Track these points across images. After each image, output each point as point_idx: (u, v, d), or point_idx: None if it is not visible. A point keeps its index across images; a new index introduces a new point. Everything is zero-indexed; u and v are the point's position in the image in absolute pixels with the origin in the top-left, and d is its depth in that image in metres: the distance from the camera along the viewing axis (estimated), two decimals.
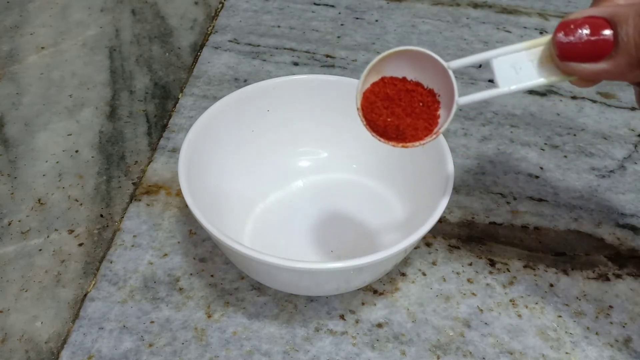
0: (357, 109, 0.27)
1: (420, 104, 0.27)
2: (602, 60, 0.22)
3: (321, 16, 0.54)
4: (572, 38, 0.22)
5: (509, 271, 0.36)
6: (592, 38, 0.21)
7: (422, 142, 0.27)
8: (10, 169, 0.41)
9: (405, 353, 0.32)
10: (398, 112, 0.27)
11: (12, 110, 0.46)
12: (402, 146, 0.27)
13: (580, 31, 0.22)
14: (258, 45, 0.51)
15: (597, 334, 0.33)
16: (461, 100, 0.25)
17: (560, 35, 0.22)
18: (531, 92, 0.47)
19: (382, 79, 0.27)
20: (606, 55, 0.21)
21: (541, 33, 0.53)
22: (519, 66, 0.24)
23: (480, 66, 0.49)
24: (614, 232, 0.38)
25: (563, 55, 0.22)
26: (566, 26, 0.22)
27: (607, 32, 0.21)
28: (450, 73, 0.25)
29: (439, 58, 0.25)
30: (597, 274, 0.36)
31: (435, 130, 0.26)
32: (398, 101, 0.27)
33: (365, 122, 0.27)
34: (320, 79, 0.38)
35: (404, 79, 0.27)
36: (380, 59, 0.26)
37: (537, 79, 0.24)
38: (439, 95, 0.26)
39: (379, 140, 0.27)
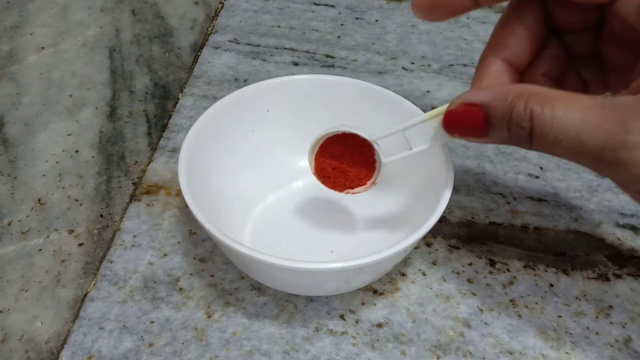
0: (313, 173, 0.34)
1: (359, 154, 0.32)
2: (482, 138, 0.26)
3: (321, 16, 0.54)
4: (455, 127, 0.27)
5: (509, 271, 0.36)
6: (470, 125, 0.26)
7: (365, 187, 0.33)
8: (10, 169, 0.41)
9: (405, 353, 0.32)
10: (343, 167, 0.33)
11: (12, 110, 0.46)
12: (349, 192, 0.34)
13: (461, 120, 0.27)
14: (258, 45, 0.51)
15: (597, 334, 0.33)
16: (385, 160, 0.32)
17: (447, 123, 0.28)
18: None
19: (327, 140, 0.33)
20: (484, 136, 0.26)
21: None
22: (424, 132, 0.30)
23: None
24: (614, 232, 0.38)
25: (452, 134, 0.28)
26: (450, 116, 0.27)
27: (482, 119, 0.26)
28: (374, 144, 0.31)
29: (364, 134, 0.31)
30: (597, 274, 0.36)
31: (372, 180, 0.33)
32: (341, 157, 0.33)
33: (321, 181, 0.34)
34: (320, 79, 0.38)
35: (343, 135, 0.32)
36: (319, 139, 0.32)
37: (441, 140, 0.30)
38: (375, 144, 0.32)
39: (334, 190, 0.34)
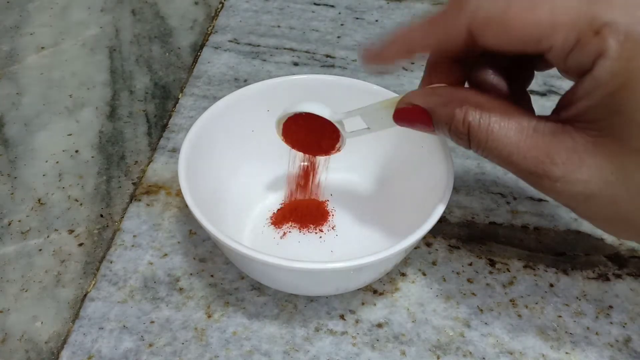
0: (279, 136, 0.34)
1: (322, 129, 0.33)
2: (428, 131, 0.28)
3: (321, 16, 0.54)
4: (404, 122, 0.28)
5: (509, 271, 0.36)
6: (417, 122, 0.28)
7: (330, 153, 0.34)
8: (10, 169, 0.41)
9: (405, 353, 0.32)
10: (310, 138, 0.34)
11: (12, 110, 0.46)
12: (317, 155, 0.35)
13: (408, 117, 0.28)
14: (258, 45, 0.51)
15: (597, 334, 0.33)
16: (347, 136, 0.33)
17: (396, 118, 0.29)
18: (531, 92, 0.47)
19: (294, 118, 0.33)
20: (431, 132, 0.28)
21: None
22: (380, 116, 0.30)
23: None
24: None
25: (401, 126, 0.29)
26: (398, 113, 0.28)
27: (427, 118, 0.27)
28: (335, 124, 0.32)
29: (326, 115, 0.32)
30: (597, 274, 0.36)
31: (337, 146, 0.34)
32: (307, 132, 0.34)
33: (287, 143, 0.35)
34: (320, 79, 0.38)
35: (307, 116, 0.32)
36: (285, 115, 0.33)
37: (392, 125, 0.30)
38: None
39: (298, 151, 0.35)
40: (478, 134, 0.25)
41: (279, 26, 0.53)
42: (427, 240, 0.37)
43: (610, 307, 0.34)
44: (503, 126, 0.24)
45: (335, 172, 0.40)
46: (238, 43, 0.52)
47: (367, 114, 0.31)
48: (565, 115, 0.24)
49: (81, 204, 0.39)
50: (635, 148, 0.22)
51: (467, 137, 0.26)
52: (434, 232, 0.38)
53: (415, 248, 0.37)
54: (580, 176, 0.23)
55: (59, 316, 0.34)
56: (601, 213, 0.25)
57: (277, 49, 0.51)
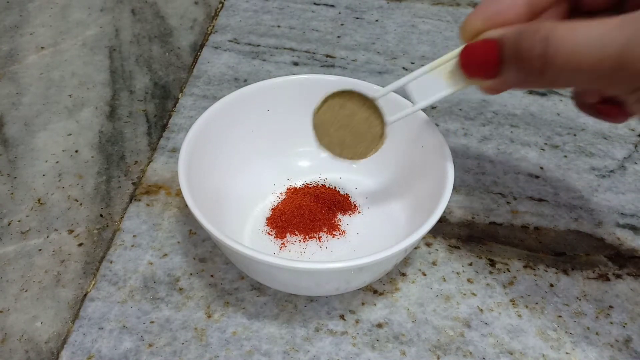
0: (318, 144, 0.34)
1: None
2: (496, 76, 0.26)
3: (321, 16, 0.54)
4: (471, 59, 0.27)
5: (509, 271, 0.36)
6: (486, 59, 0.26)
7: (374, 149, 0.33)
8: (10, 169, 0.41)
9: (405, 353, 0.32)
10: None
11: (12, 110, 0.46)
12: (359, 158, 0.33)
13: (476, 54, 0.27)
14: (258, 45, 0.51)
15: (597, 334, 0.33)
16: (390, 119, 0.31)
17: (464, 56, 0.27)
18: (531, 92, 0.47)
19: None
20: (498, 73, 0.26)
21: None
22: (428, 85, 0.29)
23: None
24: (614, 232, 0.38)
25: (468, 73, 0.27)
26: (467, 50, 0.27)
27: (496, 54, 0.26)
28: (376, 102, 0.31)
29: (366, 93, 0.31)
30: (597, 274, 0.36)
31: (381, 140, 0.32)
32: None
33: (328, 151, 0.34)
34: (320, 79, 0.38)
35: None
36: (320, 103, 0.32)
37: (446, 90, 0.29)
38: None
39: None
40: (559, 36, 0.23)
41: (279, 26, 0.53)
42: (427, 240, 0.37)
43: (610, 307, 0.34)
44: (587, 25, 0.23)
45: (335, 172, 0.40)
46: (238, 43, 0.52)
47: (413, 83, 0.30)
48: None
49: (81, 204, 0.39)
50: None
51: (544, 56, 0.24)
52: (434, 232, 0.38)
53: (415, 248, 0.37)
54: None
55: (59, 316, 0.34)
56: None
57: (277, 48, 0.51)
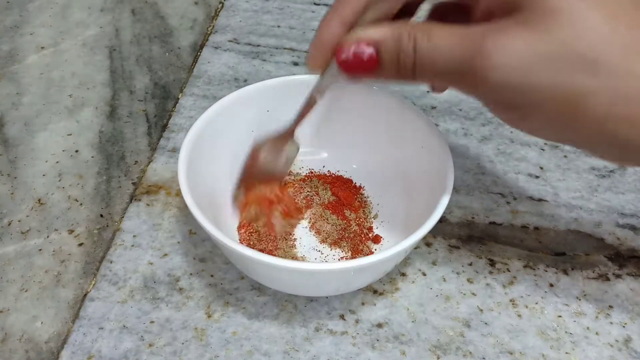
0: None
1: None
2: (373, 74, 0.27)
3: (321, 16, 0.54)
4: (346, 57, 0.27)
5: (509, 271, 0.36)
6: (362, 59, 0.27)
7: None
8: (10, 169, 0.41)
9: (405, 353, 0.32)
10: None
11: (12, 110, 0.46)
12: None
13: (350, 53, 0.27)
14: (258, 45, 0.51)
15: (597, 334, 0.33)
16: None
17: (339, 55, 0.28)
18: None
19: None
20: (375, 71, 0.27)
21: None
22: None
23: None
24: (614, 232, 0.38)
25: (344, 70, 0.28)
26: (340, 49, 0.27)
27: (372, 53, 0.27)
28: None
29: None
30: (597, 274, 0.36)
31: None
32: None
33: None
34: None
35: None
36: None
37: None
38: None
39: None
40: (423, 43, 0.25)
41: (278, 26, 0.53)
42: (427, 240, 0.37)
43: (610, 307, 0.34)
44: (445, 29, 0.25)
45: (335, 171, 0.40)
46: (238, 43, 0.52)
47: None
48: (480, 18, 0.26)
49: (81, 204, 0.39)
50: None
51: (413, 55, 0.26)
52: (434, 232, 0.37)
53: (415, 248, 0.37)
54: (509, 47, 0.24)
55: (59, 316, 0.34)
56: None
57: (277, 48, 0.51)
